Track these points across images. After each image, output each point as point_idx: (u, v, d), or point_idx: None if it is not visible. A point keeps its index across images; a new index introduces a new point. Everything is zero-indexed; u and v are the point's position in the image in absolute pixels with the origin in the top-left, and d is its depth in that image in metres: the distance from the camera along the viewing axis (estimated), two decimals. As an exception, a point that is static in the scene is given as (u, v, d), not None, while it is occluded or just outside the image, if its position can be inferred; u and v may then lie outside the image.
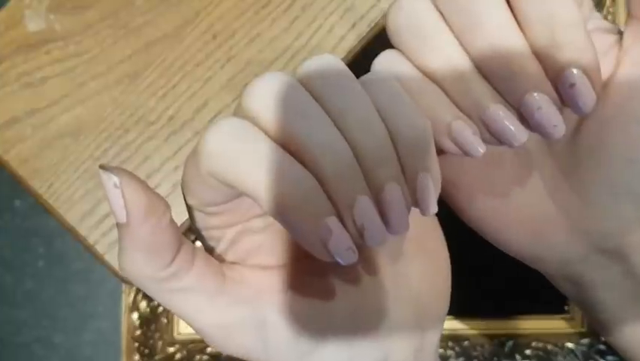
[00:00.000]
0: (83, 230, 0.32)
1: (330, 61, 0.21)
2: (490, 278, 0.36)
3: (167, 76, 0.33)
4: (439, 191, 0.21)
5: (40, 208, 0.33)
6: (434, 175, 0.21)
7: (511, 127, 0.21)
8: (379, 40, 0.36)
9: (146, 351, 0.41)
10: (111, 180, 0.19)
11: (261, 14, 0.33)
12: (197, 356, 0.40)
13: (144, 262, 0.20)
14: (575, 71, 0.20)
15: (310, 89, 0.21)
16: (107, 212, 0.32)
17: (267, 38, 0.33)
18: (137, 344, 0.41)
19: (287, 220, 0.19)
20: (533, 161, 0.26)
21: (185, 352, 0.41)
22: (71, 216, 0.32)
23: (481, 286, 0.39)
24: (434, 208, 0.20)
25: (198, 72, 0.33)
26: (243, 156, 0.19)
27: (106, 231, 0.32)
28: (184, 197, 0.22)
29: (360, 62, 0.35)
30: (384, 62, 0.24)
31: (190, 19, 0.33)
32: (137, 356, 0.41)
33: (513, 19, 0.21)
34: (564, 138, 0.25)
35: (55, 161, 0.33)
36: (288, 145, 0.20)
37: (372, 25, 0.33)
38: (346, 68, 0.21)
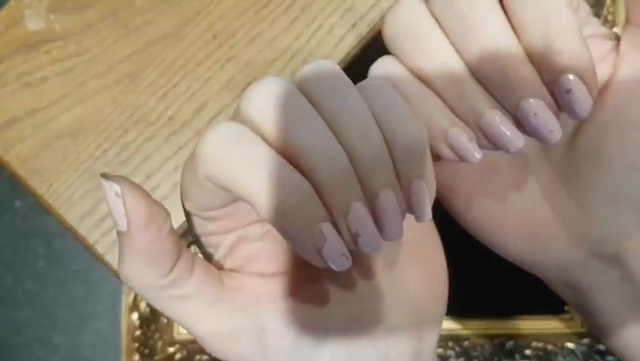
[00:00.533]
0: (82, 230, 0.32)
1: (328, 66, 0.21)
2: (489, 278, 0.36)
3: (167, 75, 0.33)
4: (433, 197, 0.21)
5: (40, 208, 0.33)
6: (429, 182, 0.21)
7: (508, 133, 0.21)
8: (379, 41, 0.36)
9: (146, 351, 0.41)
10: (112, 188, 0.19)
11: (262, 14, 0.33)
12: (197, 356, 0.40)
13: (144, 270, 0.20)
14: (570, 76, 0.20)
15: (307, 94, 0.21)
16: (107, 212, 0.32)
17: (267, 38, 0.33)
18: (137, 344, 0.41)
19: (282, 226, 0.19)
20: (531, 166, 0.26)
21: (185, 352, 0.41)
22: (71, 216, 0.32)
23: (481, 287, 0.39)
24: (429, 215, 0.20)
25: (198, 72, 0.33)
26: (239, 160, 0.19)
27: (106, 231, 0.32)
28: (182, 202, 0.22)
29: (360, 62, 0.35)
30: (381, 68, 0.24)
31: (191, 18, 0.33)
32: (137, 357, 0.41)
33: (509, 25, 0.21)
34: (561, 144, 0.25)
35: (55, 161, 0.33)
36: (285, 151, 0.20)
37: (372, 25, 0.33)
38: (343, 74, 0.21)
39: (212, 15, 0.33)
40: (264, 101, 0.20)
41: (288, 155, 0.20)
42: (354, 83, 0.22)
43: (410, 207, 0.20)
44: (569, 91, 0.20)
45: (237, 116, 0.21)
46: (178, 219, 0.32)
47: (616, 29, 0.43)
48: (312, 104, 0.20)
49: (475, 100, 0.22)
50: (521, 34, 0.21)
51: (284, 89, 0.20)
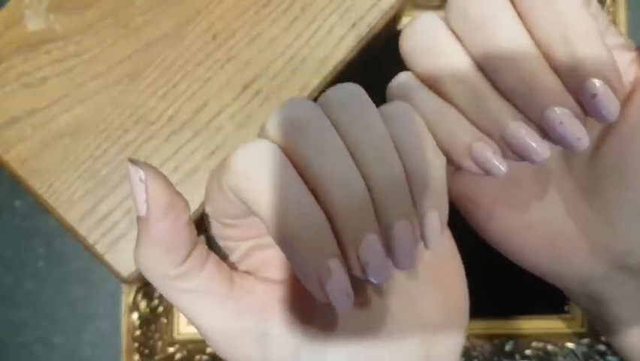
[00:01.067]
0: (82, 230, 0.32)
1: (354, 90, 0.21)
2: (490, 278, 0.36)
3: (167, 75, 0.33)
4: (445, 228, 0.21)
5: (40, 208, 0.33)
6: (443, 213, 0.21)
7: (533, 144, 0.21)
8: (379, 41, 0.36)
9: (146, 351, 0.41)
10: (137, 173, 0.20)
11: (261, 14, 0.33)
12: (197, 356, 0.40)
13: (159, 258, 0.21)
14: (595, 81, 0.20)
15: (331, 117, 0.21)
16: (107, 212, 0.32)
17: (266, 38, 0.33)
18: (136, 345, 0.41)
19: (290, 253, 0.19)
20: (553, 179, 0.26)
21: (185, 352, 0.41)
22: (71, 216, 0.32)
23: (481, 286, 0.39)
24: (438, 244, 0.21)
25: (198, 72, 0.33)
26: (262, 181, 0.20)
27: (106, 231, 0.32)
28: (205, 205, 0.23)
29: (360, 62, 0.35)
30: (400, 85, 0.24)
31: (191, 17, 0.33)
32: (136, 357, 0.41)
33: (527, 34, 0.21)
34: (584, 156, 0.25)
35: (55, 161, 0.33)
36: (303, 174, 0.20)
37: (372, 25, 0.33)
38: (368, 99, 0.21)
39: (213, 15, 0.33)
40: (287, 123, 0.20)
41: (306, 179, 0.20)
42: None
43: (420, 234, 0.21)
44: (594, 95, 0.20)
45: (263, 135, 0.21)
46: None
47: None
48: (335, 128, 0.20)
49: (498, 112, 0.21)
50: (541, 42, 0.21)
51: (308, 112, 0.20)
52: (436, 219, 0.21)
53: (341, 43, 0.33)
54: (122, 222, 0.32)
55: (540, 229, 0.26)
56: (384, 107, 0.22)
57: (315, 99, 0.34)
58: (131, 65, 0.33)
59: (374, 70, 0.40)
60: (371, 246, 0.19)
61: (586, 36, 0.20)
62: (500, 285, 0.39)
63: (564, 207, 0.25)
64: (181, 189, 0.32)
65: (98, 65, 0.33)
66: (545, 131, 0.21)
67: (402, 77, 0.24)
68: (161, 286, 0.22)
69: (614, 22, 0.43)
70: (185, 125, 0.33)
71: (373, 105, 0.21)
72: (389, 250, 0.20)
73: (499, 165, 0.22)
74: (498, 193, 0.26)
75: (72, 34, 0.33)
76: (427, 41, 0.23)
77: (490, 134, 0.22)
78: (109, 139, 0.33)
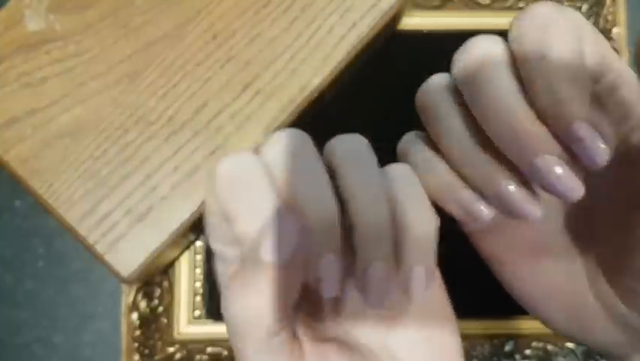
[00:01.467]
0: (82, 230, 0.32)
1: (358, 143, 0.23)
2: (490, 278, 0.36)
3: (167, 76, 0.33)
4: (430, 281, 0.23)
5: (40, 208, 0.33)
6: (429, 270, 0.22)
7: (527, 204, 0.22)
8: (379, 41, 0.36)
9: (146, 351, 0.41)
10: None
11: (261, 14, 0.33)
12: (197, 356, 0.40)
13: (271, 308, 0.21)
14: (580, 123, 0.20)
15: (333, 163, 0.22)
16: (107, 212, 0.32)
17: (266, 38, 0.33)
18: (136, 345, 0.41)
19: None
20: (579, 252, 0.26)
21: (185, 352, 0.41)
22: (71, 216, 0.32)
23: (481, 286, 0.39)
24: (421, 298, 0.22)
25: (198, 72, 0.33)
26: (242, 192, 0.21)
27: (106, 231, 0.32)
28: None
29: (360, 62, 0.35)
30: (404, 142, 0.25)
31: (191, 17, 0.33)
32: (136, 357, 0.41)
33: (519, 89, 0.21)
34: (610, 238, 0.25)
35: (55, 161, 0.33)
36: (283, 195, 0.21)
37: (372, 25, 0.33)
38: (370, 151, 0.23)
39: (212, 15, 0.33)
40: (281, 153, 0.22)
41: (284, 195, 0.21)
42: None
43: (406, 288, 0.22)
44: (580, 139, 0.20)
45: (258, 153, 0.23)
46: (178, 219, 0.32)
47: (616, 29, 0.43)
48: (335, 172, 0.22)
49: (492, 172, 0.22)
50: (532, 95, 0.21)
51: (301, 141, 0.22)
52: (421, 275, 0.22)
53: (341, 43, 0.33)
54: (122, 222, 0.32)
55: (561, 295, 0.26)
56: (387, 166, 0.24)
57: (315, 100, 0.34)
58: (131, 65, 0.33)
59: (374, 70, 0.40)
60: (326, 264, 0.21)
61: (568, 82, 0.20)
62: (500, 285, 0.39)
63: (586, 279, 0.26)
64: (181, 189, 0.32)
65: (98, 65, 0.33)
66: (541, 184, 0.21)
67: (407, 136, 0.26)
68: (255, 344, 0.21)
69: (614, 22, 0.43)
70: (185, 125, 0.33)
71: (374, 156, 0.23)
72: (362, 287, 0.21)
73: (484, 208, 0.23)
74: (523, 255, 0.26)
75: (72, 34, 0.33)
76: (434, 103, 0.24)
77: (485, 192, 0.22)
78: (109, 139, 0.33)
